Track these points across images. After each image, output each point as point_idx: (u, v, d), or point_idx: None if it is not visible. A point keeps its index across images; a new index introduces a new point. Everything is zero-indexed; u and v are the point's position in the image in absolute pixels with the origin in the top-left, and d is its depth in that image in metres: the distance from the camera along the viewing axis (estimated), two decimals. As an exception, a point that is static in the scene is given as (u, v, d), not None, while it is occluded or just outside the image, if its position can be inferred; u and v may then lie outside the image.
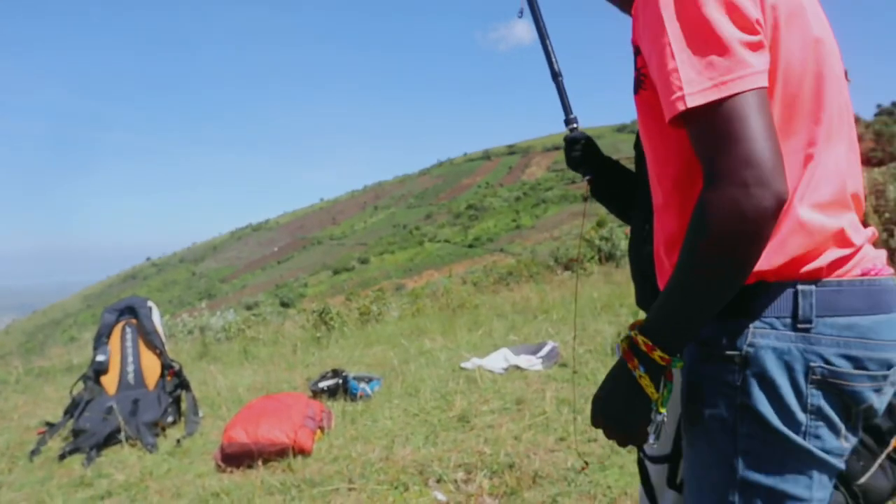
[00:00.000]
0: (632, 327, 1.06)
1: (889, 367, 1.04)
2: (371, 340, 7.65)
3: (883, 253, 1.13)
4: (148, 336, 5.07)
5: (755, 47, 0.96)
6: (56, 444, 4.57)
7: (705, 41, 0.95)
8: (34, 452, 4.42)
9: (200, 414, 4.94)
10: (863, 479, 1.21)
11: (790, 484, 1.03)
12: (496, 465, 3.33)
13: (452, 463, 3.43)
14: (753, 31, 0.96)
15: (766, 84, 0.96)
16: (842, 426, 1.04)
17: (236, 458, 3.79)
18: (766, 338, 1.02)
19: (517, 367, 5.16)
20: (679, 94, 0.95)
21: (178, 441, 4.40)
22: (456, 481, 3.24)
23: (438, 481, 3.28)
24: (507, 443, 3.61)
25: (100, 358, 4.96)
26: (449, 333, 7.19)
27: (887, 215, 6.05)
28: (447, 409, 4.35)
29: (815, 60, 1.04)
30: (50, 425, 4.82)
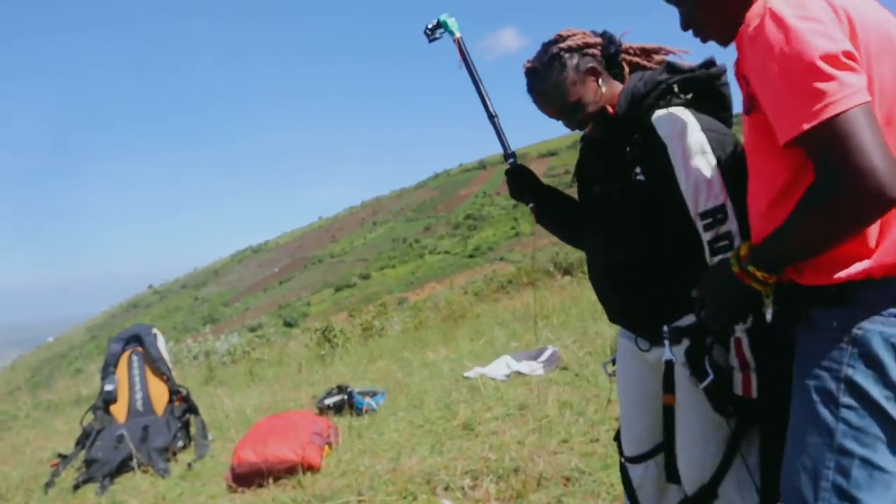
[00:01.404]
0: (737, 256, 1.34)
1: None
2: (374, 355, 7.72)
3: None
4: (154, 363, 5.15)
5: (854, 70, 1.12)
6: (70, 475, 4.63)
7: (811, 71, 1.11)
8: (49, 485, 4.49)
9: (210, 437, 5.01)
10: None
11: (880, 456, 1.17)
12: (501, 470, 3.39)
13: (459, 470, 3.50)
14: (851, 58, 1.13)
15: (869, 98, 1.12)
16: None
17: (247, 478, 3.86)
18: (874, 323, 1.19)
19: (519, 374, 5.23)
20: (793, 119, 1.13)
21: (190, 465, 4.47)
22: (463, 488, 3.31)
23: (446, 489, 3.34)
24: (511, 448, 3.67)
25: (108, 387, 5.03)
26: (451, 344, 7.27)
27: None
28: (451, 418, 4.42)
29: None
30: (62, 457, 4.89)
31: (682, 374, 1.69)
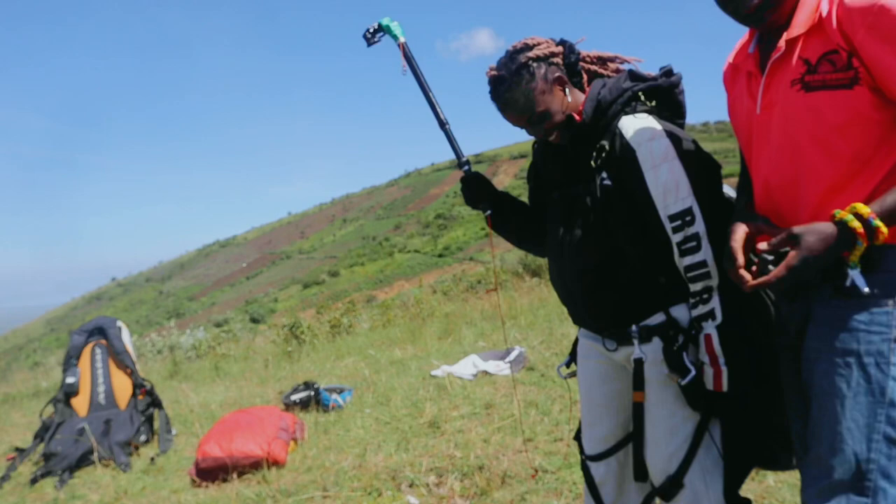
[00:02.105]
0: (854, 213, 1.28)
1: None
2: (342, 352, 7.71)
3: None
4: (118, 356, 5.08)
5: None
6: (27, 469, 4.55)
7: None
8: (4, 479, 4.40)
9: (174, 431, 4.96)
10: None
11: None
12: (466, 468, 3.43)
13: (424, 467, 3.53)
14: None
15: None
16: None
17: (211, 472, 3.84)
18: None
19: (486, 373, 5.28)
20: None
21: (152, 459, 4.43)
22: (428, 485, 3.34)
23: (411, 486, 3.37)
24: (476, 446, 3.72)
25: (70, 380, 4.95)
26: (419, 342, 7.29)
27: None
28: (418, 416, 4.45)
29: None
30: (20, 451, 4.80)
31: (651, 372, 1.74)
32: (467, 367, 5.47)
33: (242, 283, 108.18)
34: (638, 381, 1.78)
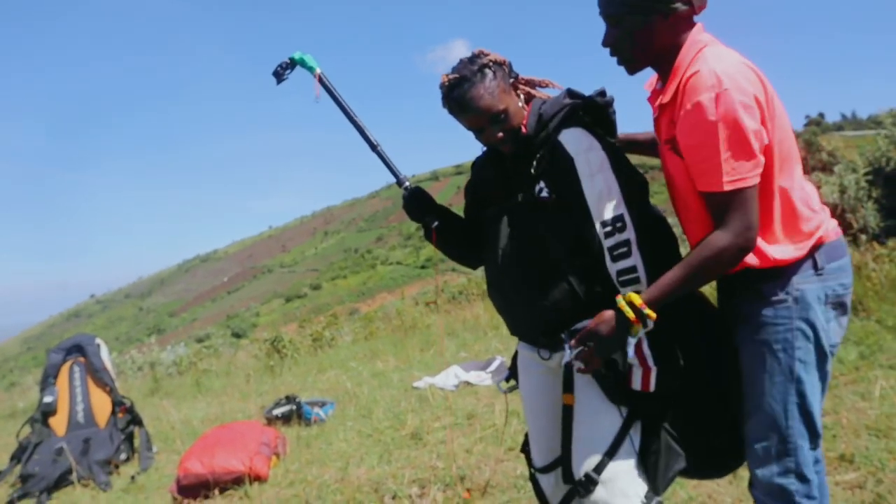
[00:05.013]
0: (629, 304, 1.61)
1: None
2: (324, 366, 7.69)
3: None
4: (97, 374, 5.04)
5: (759, 156, 1.56)
6: (3, 492, 4.49)
7: (744, 149, 1.53)
8: (-19, 501, 4.34)
9: (154, 449, 4.92)
10: None
11: (816, 376, 1.70)
12: (449, 479, 3.44)
13: (406, 479, 3.53)
14: (761, 142, 1.56)
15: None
16: (840, 328, 1.74)
17: (192, 489, 3.81)
18: (805, 283, 1.68)
19: (467, 383, 5.29)
20: (725, 178, 1.54)
21: (133, 477, 4.39)
22: (411, 496, 3.35)
23: (394, 498, 3.38)
24: (458, 456, 3.73)
25: (47, 399, 4.90)
26: (401, 354, 7.29)
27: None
28: (400, 427, 4.45)
29: (789, 132, 1.68)
30: (-3, 472, 4.73)
31: (579, 375, 1.79)
32: (449, 378, 5.47)
33: (224, 297, 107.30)
34: (567, 384, 1.83)
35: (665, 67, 1.73)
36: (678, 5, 1.64)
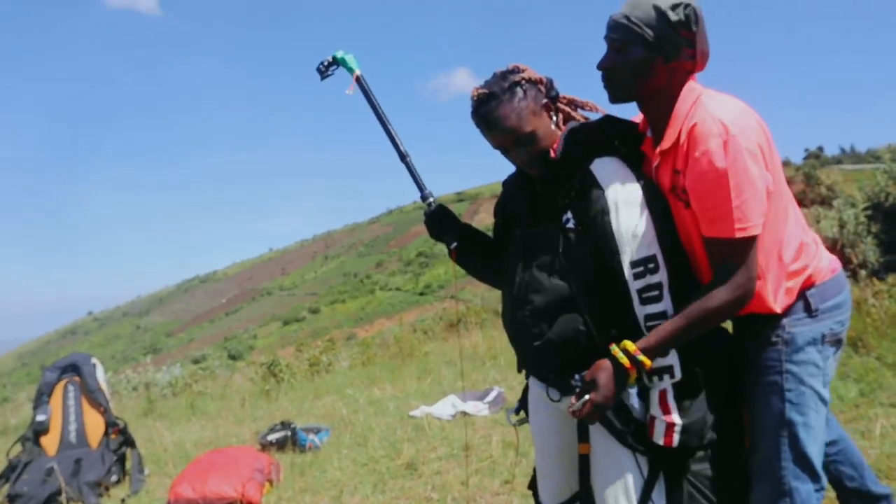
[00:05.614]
0: (624, 351, 1.58)
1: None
2: (321, 391, 7.63)
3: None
4: (92, 394, 5.00)
5: (765, 203, 1.58)
6: (-9, 511, 4.43)
7: (754, 196, 1.53)
8: (-32, 520, 4.28)
9: (146, 471, 4.87)
10: None
11: (812, 417, 1.68)
12: (443, 511, 3.39)
13: (400, 510, 3.48)
14: (767, 189, 1.57)
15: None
16: (834, 365, 1.76)
17: (183, 514, 3.76)
18: (795, 326, 1.69)
19: (464, 414, 5.25)
20: (737, 225, 1.54)
21: (123, 501, 4.34)
22: (404, 528, 3.30)
23: (387, 529, 3.32)
24: (454, 488, 3.68)
25: (40, 417, 4.85)
26: (398, 382, 7.24)
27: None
28: (395, 457, 4.41)
29: (783, 175, 1.70)
30: (-16, 491, 4.67)
31: (596, 424, 1.70)
32: (446, 407, 5.43)
33: (222, 319, 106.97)
34: (582, 434, 1.76)
35: (652, 110, 1.71)
36: (683, 55, 1.64)
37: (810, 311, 1.69)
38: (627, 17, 1.62)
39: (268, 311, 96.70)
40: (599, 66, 1.71)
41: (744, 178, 1.52)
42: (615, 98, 1.72)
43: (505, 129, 1.72)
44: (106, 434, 4.91)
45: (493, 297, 14.97)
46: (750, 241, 1.56)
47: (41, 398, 4.98)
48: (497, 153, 1.84)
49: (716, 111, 1.56)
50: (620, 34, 1.65)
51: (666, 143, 1.64)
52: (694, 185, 1.58)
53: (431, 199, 2.08)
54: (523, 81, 1.72)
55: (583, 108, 1.87)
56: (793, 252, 1.69)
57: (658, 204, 1.65)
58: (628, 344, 1.57)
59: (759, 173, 1.55)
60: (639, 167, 1.72)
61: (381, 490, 3.86)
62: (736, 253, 1.56)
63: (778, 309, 1.68)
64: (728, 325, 1.80)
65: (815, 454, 1.70)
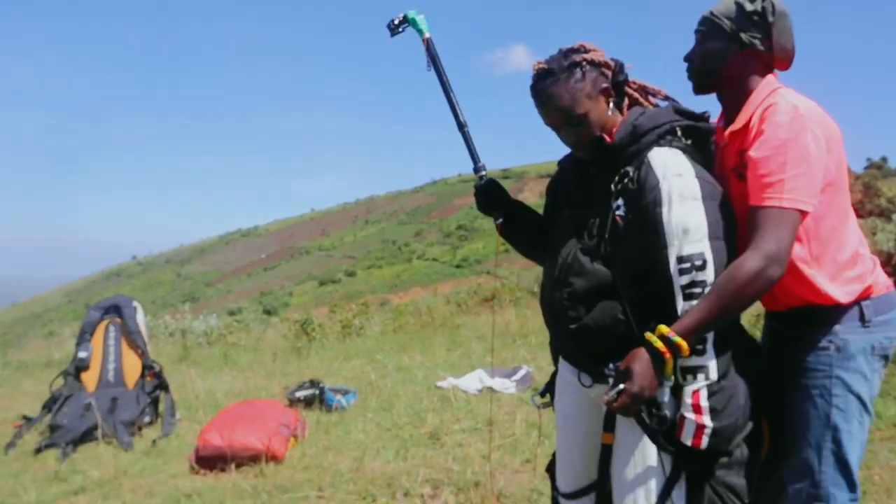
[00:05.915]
0: (661, 336, 1.54)
1: None
2: (350, 354, 7.73)
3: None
4: (131, 335, 5.15)
5: (819, 186, 1.58)
6: (32, 439, 4.62)
7: (809, 173, 1.56)
8: (10, 446, 4.48)
9: (177, 416, 5.01)
10: None
11: (855, 426, 1.70)
12: (462, 483, 3.43)
13: (420, 478, 3.53)
14: (824, 174, 1.60)
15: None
16: (879, 380, 1.74)
17: (210, 460, 3.87)
18: (850, 333, 1.70)
19: (491, 389, 5.27)
20: (786, 195, 1.54)
21: (154, 441, 4.47)
22: (423, 496, 3.35)
23: (406, 495, 3.38)
24: (474, 462, 3.71)
25: (82, 354, 5.03)
26: (428, 352, 7.29)
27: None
28: (419, 425, 4.46)
29: (844, 166, 1.70)
30: (27, 419, 4.88)
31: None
32: (473, 381, 5.46)
33: (260, 273, 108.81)
34: (609, 423, 1.75)
35: (728, 98, 1.79)
36: (758, 44, 1.72)
37: (864, 321, 1.71)
38: (711, 12, 1.75)
39: (305, 270, 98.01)
40: (686, 58, 1.83)
41: (803, 153, 1.56)
42: (698, 89, 1.82)
43: (557, 107, 1.71)
44: (142, 376, 5.07)
45: (529, 275, 14.90)
46: (793, 216, 1.55)
47: (84, 336, 5.15)
48: (548, 132, 1.81)
49: (791, 98, 1.65)
50: (704, 27, 1.78)
51: (738, 124, 1.72)
52: (755, 152, 1.62)
53: (484, 173, 2.06)
54: (584, 63, 1.69)
55: (654, 95, 1.82)
56: (848, 256, 1.71)
57: (715, 201, 1.61)
58: (662, 327, 1.54)
59: (819, 156, 1.58)
60: (701, 161, 1.68)
61: (402, 457, 3.91)
62: (776, 224, 1.54)
63: (842, 299, 1.68)
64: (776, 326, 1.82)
65: (855, 463, 1.72)
